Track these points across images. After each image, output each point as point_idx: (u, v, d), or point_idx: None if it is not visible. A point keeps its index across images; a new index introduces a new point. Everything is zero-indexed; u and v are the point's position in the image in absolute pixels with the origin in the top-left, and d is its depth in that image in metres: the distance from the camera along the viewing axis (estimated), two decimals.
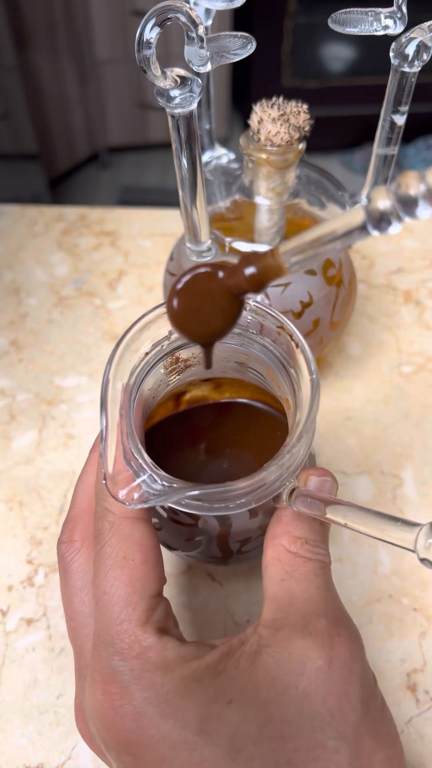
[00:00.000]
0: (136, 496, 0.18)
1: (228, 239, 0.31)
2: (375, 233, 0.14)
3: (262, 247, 0.32)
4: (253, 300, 0.22)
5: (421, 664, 0.29)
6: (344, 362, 0.43)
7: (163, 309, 0.22)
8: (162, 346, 0.23)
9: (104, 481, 0.19)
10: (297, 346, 0.21)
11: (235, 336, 0.24)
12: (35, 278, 0.50)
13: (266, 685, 0.18)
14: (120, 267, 0.50)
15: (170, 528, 0.26)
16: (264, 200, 0.31)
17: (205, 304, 0.18)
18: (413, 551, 0.15)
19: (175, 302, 0.18)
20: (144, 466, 0.19)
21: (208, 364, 0.21)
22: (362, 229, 0.14)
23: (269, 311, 0.22)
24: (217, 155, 0.35)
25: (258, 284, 0.17)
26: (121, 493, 0.18)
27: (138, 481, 0.19)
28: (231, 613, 0.31)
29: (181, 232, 0.32)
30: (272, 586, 0.20)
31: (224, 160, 0.35)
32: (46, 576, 0.32)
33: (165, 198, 1.82)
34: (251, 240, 0.32)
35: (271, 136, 0.28)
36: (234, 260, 0.31)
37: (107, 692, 0.18)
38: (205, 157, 0.35)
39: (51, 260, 0.51)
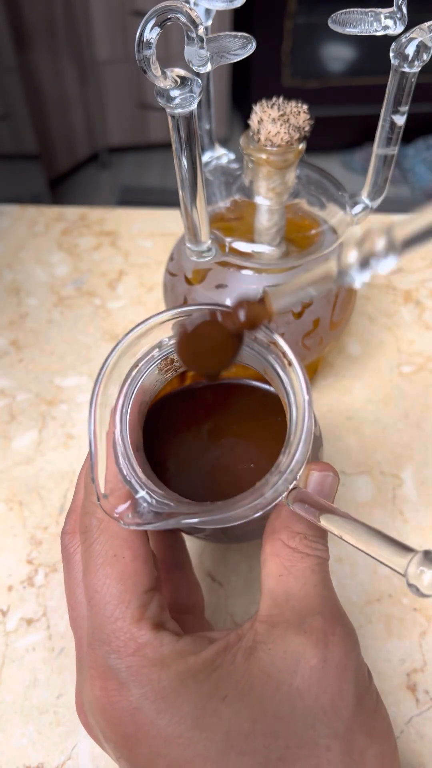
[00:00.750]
0: (129, 516, 0.19)
1: (228, 239, 0.31)
2: (347, 281, 0.16)
3: (262, 247, 0.32)
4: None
5: (421, 663, 0.29)
6: (344, 362, 0.43)
7: (150, 321, 0.22)
8: (152, 355, 0.23)
9: (98, 502, 0.19)
10: (289, 364, 0.21)
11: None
12: (35, 278, 0.50)
13: (261, 682, 0.18)
14: (120, 267, 0.50)
15: None
16: (264, 200, 0.31)
17: (209, 343, 0.21)
18: (403, 575, 0.15)
19: (184, 345, 0.21)
20: (137, 484, 0.19)
21: (212, 380, 0.22)
22: (337, 278, 0.16)
23: (265, 330, 0.22)
24: (217, 155, 0.36)
25: (251, 326, 0.20)
26: (117, 511, 0.19)
27: (138, 496, 0.19)
28: (231, 613, 0.31)
29: (181, 232, 0.32)
30: (270, 581, 0.20)
31: (224, 161, 0.35)
32: (46, 576, 0.32)
33: (165, 198, 1.82)
34: (251, 240, 0.32)
35: (271, 137, 0.28)
36: (234, 259, 0.31)
37: (104, 688, 0.18)
38: (205, 157, 0.35)
39: (51, 260, 0.51)
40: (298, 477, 0.20)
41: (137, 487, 0.19)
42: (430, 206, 0.14)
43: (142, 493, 0.19)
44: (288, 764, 0.17)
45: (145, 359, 0.23)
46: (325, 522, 0.18)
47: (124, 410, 0.21)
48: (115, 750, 0.18)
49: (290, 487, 0.20)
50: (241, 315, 0.19)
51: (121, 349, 0.22)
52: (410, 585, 0.15)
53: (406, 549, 0.15)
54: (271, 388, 0.28)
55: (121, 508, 0.19)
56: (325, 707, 0.18)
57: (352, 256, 0.15)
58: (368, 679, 0.19)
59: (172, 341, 0.23)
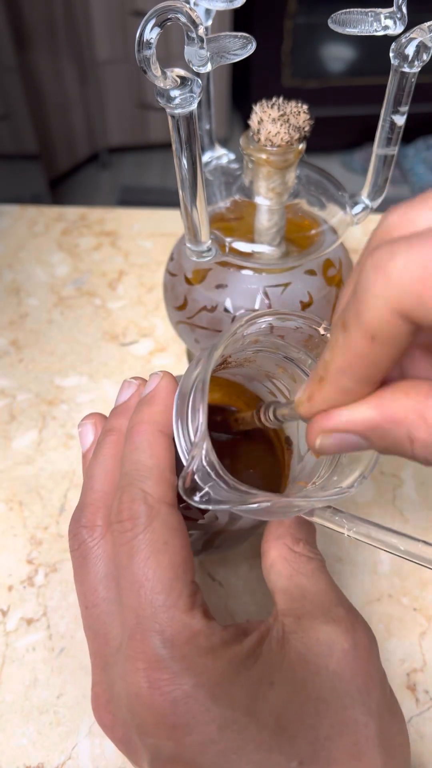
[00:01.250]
0: (206, 498, 0.18)
1: (228, 239, 0.31)
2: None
3: (262, 248, 0.32)
4: (326, 323, 0.22)
5: (420, 663, 0.29)
6: None
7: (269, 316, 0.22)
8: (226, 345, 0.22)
9: (181, 481, 0.18)
10: None
11: (282, 348, 0.24)
12: (35, 278, 0.50)
13: (300, 668, 0.19)
14: (120, 267, 0.50)
15: None
16: (264, 200, 0.31)
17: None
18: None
19: None
20: (211, 473, 0.19)
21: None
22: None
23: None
24: (217, 155, 0.36)
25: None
26: (196, 496, 0.18)
27: (207, 487, 0.18)
28: (231, 613, 0.31)
29: (181, 233, 0.32)
30: (281, 581, 0.22)
31: (224, 161, 0.35)
32: (47, 576, 0.32)
33: (165, 198, 1.82)
34: (251, 240, 0.32)
35: (271, 137, 0.28)
36: (234, 259, 0.31)
37: (154, 679, 0.18)
38: (205, 157, 0.35)
39: (51, 260, 0.51)
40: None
41: (215, 473, 0.19)
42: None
43: (216, 480, 0.19)
44: (333, 742, 0.18)
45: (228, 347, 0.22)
46: (318, 518, 0.21)
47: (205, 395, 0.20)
48: (156, 744, 0.18)
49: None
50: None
51: (235, 329, 0.21)
52: None
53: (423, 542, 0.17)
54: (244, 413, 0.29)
55: (200, 492, 0.18)
56: (359, 687, 0.19)
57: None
58: (383, 670, 0.21)
59: (247, 341, 0.22)
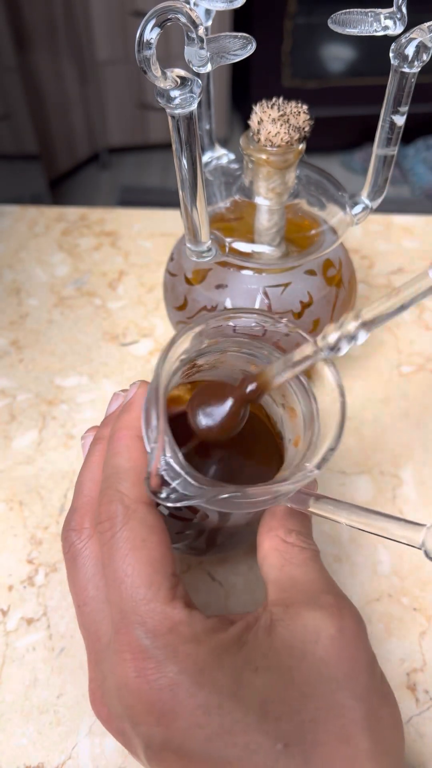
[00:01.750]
0: (173, 496, 0.19)
1: (228, 239, 0.31)
2: (323, 356, 0.21)
3: (262, 248, 0.32)
4: (286, 319, 0.24)
5: (420, 663, 0.29)
6: (344, 362, 0.43)
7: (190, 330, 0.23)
8: (190, 353, 0.24)
9: (146, 479, 0.19)
10: (327, 368, 0.23)
11: (256, 347, 0.25)
12: (36, 278, 0.50)
13: (286, 653, 0.19)
14: (120, 267, 0.51)
15: (165, 521, 0.26)
16: (264, 201, 0.31)
17: (216, 407, 0.24)
18: (419, 548, 0.17)
19: (194, 404, 0.24)
20: (179, 469, 0.19)
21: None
22: (315, 355, 0.21)
23: (301, 333, 0.24)
24: (217, 156, 0.36)
25: (253, 398, 0.24)
26: (163, 493, 0.19)
27: (175, 483, 0.19)
28: (230, 612, 0.31)
29: (181, 233, 0.32)
30: (273, 572, 0.22)
31: (224, 161, 0.36)
32: (47, 576, 0.32)
33: (165, 198, 1.82)
34: (251, 240, 0.32)
35: (271, 137, 0.28)
36: (234, 259, 0.31)
37: (141, 669, 0.19)
38: (205, 157, 0.35)
39: (51, 260, 0.51)
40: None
41: (180, 470, 0.19)
42: (394, 294, 0.19)
43: (183, 476, 0.19)
44: (319, 725, 0.18)
45: (184, 355, 0.23)
46: (318, 509, 0.21)
47: (164, 400, 0.21)
48: (148, 732, 0.19)
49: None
50: (249, 387, 0.23)
51: (184, 336, 0.22)
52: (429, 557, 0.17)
53: (415, 524, 0.18)
54: (261, 420, 0.30)
55: (166, 489, 0.19)
56: (346, 672, 0.19)
57: (331, 337, 0.19)
58: (373, 653, 0.21)
59: (205, 344, 0.24)
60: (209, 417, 0.24)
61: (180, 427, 0.29)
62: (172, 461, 0.19)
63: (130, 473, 0.22)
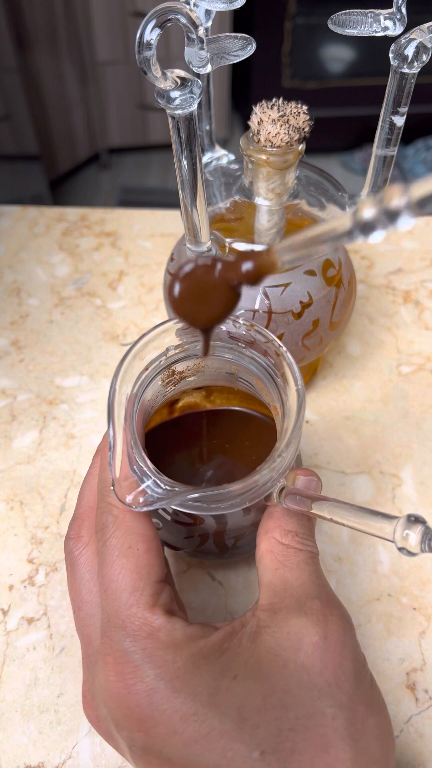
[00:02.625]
0: (141, 499, 0.20)
1: (228, 240, 0.31)
2: (360, 239, 0.15)
3: (261, 248, 0.32)
4: (243, 319, 0.24)
5: (420, 663, 0.29)
6: (344, 362, 0.43)
7: (162, 327, 0.24)
8: (160, 361, 0.24)
9: (112, 487, 0.20)
10: (283, 359, 0.23)
11: (227, 349, 0.25)
12: (36, 279, 0.50)
13: (268, 661, 0.19)
14: (120, 267, 0.51)
15: (171, 528, 0.27)
16: (264, 201, 0.31)
17: (204, 292, 0.19)
18: (392, 541, 0.17)
19: (176, 288, 0.19)
20: (147, 472, 0.21)
21: (206, 350, 0.22)
22: (349, 233, 0.15)
23: (258, 328, 0.24)
24: (217, 156, 0.36)
25: (253, 278, 0.18)
26: (128, 498, 0.20)
27: (143, 486, 0.20)
28: (231, 613, 0.31)
29: (182, 233, 0.32)
30: (267, 574, 0.22)
31: (224, 161, 0.36)
32: (47, 575, 0.33)
33: (165, 199, 1.83)
34: (251, 241, 0.32)
35: (270, 137, 0.28)
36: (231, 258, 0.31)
37: (120, 672, 0.19)
38: (205, 158, 0.35)
39: (52, 261, 0.51)
40: (286, 475, 0.22)
41: (148, 473, 0.21)
42: None
43: (150, 481, 0.20)
44: (298, 734, 0.18)
45: (154, 364, 0.24)
46: (316, 508, 0.20)
47: (134, 409, 0.23)
48: (130, 736, 0.19)
49: (279, 485, 0.22)
50: (245, 266, 0.18)
51: (134, 351, 0.23)
52: (400, 549, 0.16)
53: (390, 517, 0.17)
54: (259, 414, 0.30)
55: (133, 493, 0.20)
56: (329, 680, 0.19)
57: (368, 212, 0.14)
58: (364, 660, 0.21)
59: (177, 349, 0.24)
60: (194, 302, 0.19)
61: (183, 432, 0.30)
62: (141, 464, 0.20)
63: None
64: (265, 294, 0.32)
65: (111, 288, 0.49)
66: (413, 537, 0.16)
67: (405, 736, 0.27)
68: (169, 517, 0.26)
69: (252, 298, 0.32)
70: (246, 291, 0.32)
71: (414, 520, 0.16)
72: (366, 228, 0.14)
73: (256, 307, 0.32)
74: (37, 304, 0.48)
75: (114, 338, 0.45)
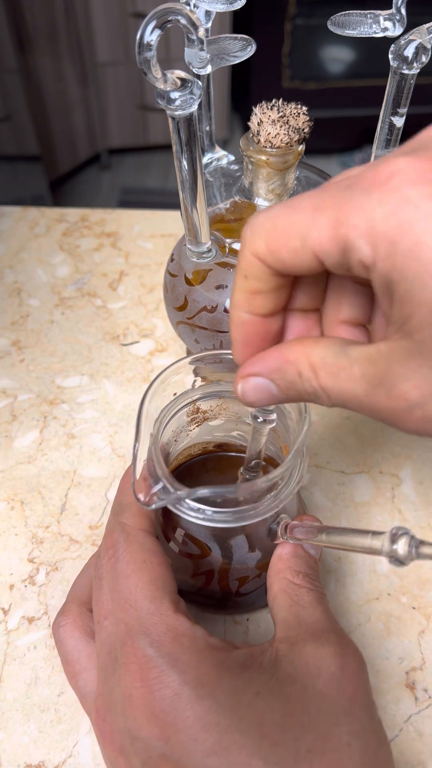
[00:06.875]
0: (155, 499, 0.21)
1: (228, 240, 0.31)
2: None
3: None
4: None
5: (420, 662, 0.30)
6: None
7: (186, 362, 0.26)
8: (186, 394, 0.27)
9: (133, 486, 0.22)
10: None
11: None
12: (37, 279, 0.50)
13: (287, 684, 0.19)
14: (121, 268, 0.51)
15: (178, 563, 0.28)
16: (264, 202, 0.31)
17: None
18: (384, 555, 0.18)
19: None
20: (161, 476, 0.22)
21: None
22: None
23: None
24: (217, 157, 0.36)
25: None
26: (142, 496, 0.22)
27: (156, 488, 0.22)
28: (232, 615, 0.31)
29: (182, 234, 0.32)
30: (281, 612, 0.23)
31: (224, 162, 0.36)
32: (48, 575, 0.33)
33: (165, 199, 1.83)
34: None
35: (270, 138, 0.28)
36: (234, 260, 0.31)
37: (145, 678, 0.19)
38: (205, 158, 0.35)
39: (52, 261, 0.51)
40: (290, 497, 0.24)
41: (162, 479, 0.22)
42: None
43: (161, 483, 0.22)
44: (316, 756, 0.18)
45: (181, 395, 0.27)
46: (322, 537, 0.22)
47: (162, 426, 0.25)
48: (148, 745, 0.19)
49: (284, 523, 0.24)
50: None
51: (162, 377, 0.25)
52: (391, 561, 0.18)
53: (377, 534, 0.19)
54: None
55: (153, 490, 0.22)
56: (346, 708, 0.19)
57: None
58: (372, 697, 0.21)
59: (203, 383, 0.27)
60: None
61: (201, 469, 0.33)
62: (159, 471, 0.22)
63: (131, 506, 0.24)
64: None
65: (111, 288, 0.49)
66: (401, 548, 0.17)
67: (404, 735, 0.27)
68: (177, 549, 0.27)
69: None
70: None
71: (398, 532, 0.18)
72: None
73: None
74: (38, 305, 0.48)
75: (114, 338, 0.45)
